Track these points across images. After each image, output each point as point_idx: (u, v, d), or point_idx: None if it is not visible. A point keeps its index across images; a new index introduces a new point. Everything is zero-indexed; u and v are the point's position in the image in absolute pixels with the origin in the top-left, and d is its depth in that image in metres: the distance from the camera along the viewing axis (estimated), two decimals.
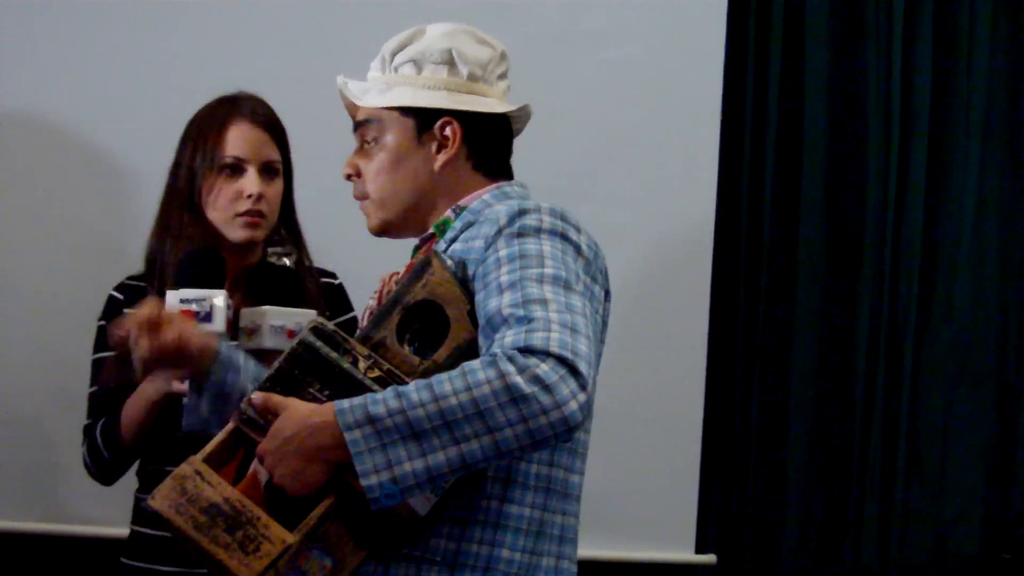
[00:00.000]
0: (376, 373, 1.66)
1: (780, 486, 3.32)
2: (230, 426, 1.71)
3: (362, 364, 1.67)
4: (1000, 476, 3.35)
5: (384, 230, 1.89)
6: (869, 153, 3.33)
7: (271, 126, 2.32)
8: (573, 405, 1.53)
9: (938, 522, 3.33)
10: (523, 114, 1.94)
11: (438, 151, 1.84)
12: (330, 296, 2.36)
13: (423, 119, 1.84)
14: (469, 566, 1.68)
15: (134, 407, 2.19)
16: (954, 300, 3.35)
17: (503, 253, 1.67)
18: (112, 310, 2.33)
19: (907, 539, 3.32)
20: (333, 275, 2.42)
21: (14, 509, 3.08)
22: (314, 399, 1.66)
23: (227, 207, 2.27)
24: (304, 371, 1.68)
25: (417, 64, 1.86)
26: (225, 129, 2.28)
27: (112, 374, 2.26)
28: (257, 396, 1.68)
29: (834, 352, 3.34)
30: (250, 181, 2.26)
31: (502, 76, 1.91)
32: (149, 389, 2.15)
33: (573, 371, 1.54)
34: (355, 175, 1.90)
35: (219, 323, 2.06)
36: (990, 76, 3.36)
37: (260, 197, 2.26)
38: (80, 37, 3.06)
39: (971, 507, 3.33)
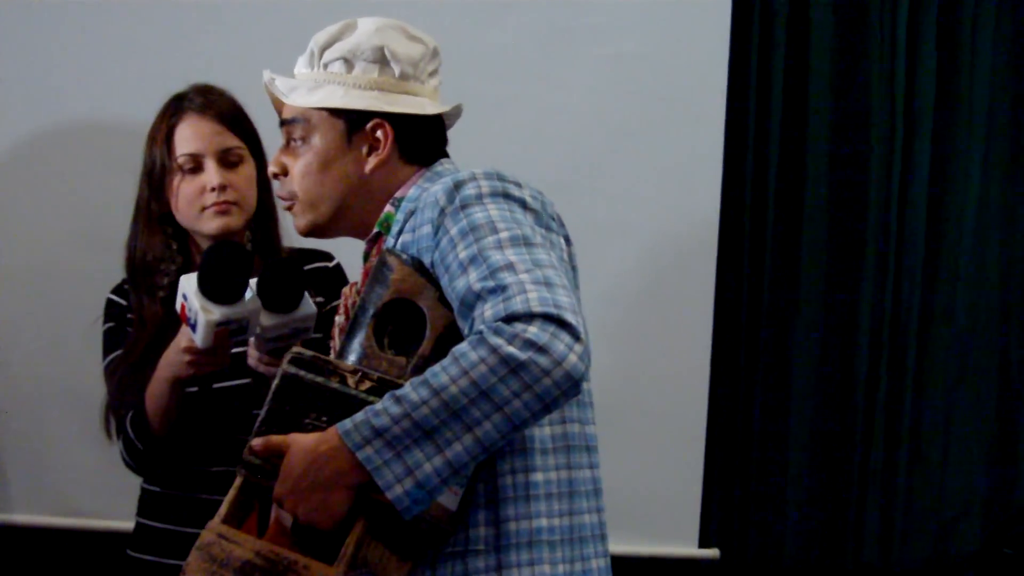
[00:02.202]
0: (368, 384, 1.62)
1: (783, 481, 3.32)
2: (238, 481, 1.67)
3: (351, 380, 1.63)
4: (1001, 473, 3.36)
5: (313, 232, 1.87)
6: (872, 152, 3.33)
7: (224, 115, 2.28)
8: (572, 358, 1.52)
9: (939, 518, 3.33)
10: (455, 112, 1.91)
11: (369, 153, 1.81)
12: (324, 281, 2.34)
13: (354, 120, 1.81)
14: (513, 545, 1.65)
15: (155, 391, 2.18)
16: (956, 300, 3.35)
17: (453, 231, 1.64)
18: (114, 313, 2.34)
19: (909, 535, 3.33)
20: (329, 257, 2.40)
21: (21, 503, 3.09)
22: (315, 428, 1.61)
23: (192, 203, 2.25)
24: (295, 404, 1.63)
25: (348, 62, 1.82)
26: (175, 128, 2.27)
27: (125, 371, 2.27)
28: (257, 442, 1.64)
29: (837, 350, 3.34)
30: (210, 174, 2.24)
31: (433, 73, 1.88)
32: (162, 371, 2.15)
33: (562, 324, 1.52)
34: (281, 174, 1.86)
35: (252, 332, 2.03)
36: (993, 76, 3.35)
37: (224, 188, 2.24)
38: (82, 34, 3.06)
39: (972, 504, 3.34)
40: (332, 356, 1.72)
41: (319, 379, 1.63)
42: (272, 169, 1.88)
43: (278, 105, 1.89)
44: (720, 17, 3.18)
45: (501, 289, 1.55)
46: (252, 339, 2.03)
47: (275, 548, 1.60)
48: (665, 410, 3.16)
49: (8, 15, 3.06)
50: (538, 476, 1.67)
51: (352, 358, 1.67)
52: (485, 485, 1.66)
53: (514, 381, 1.51)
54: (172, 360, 2.11)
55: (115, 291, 2.37)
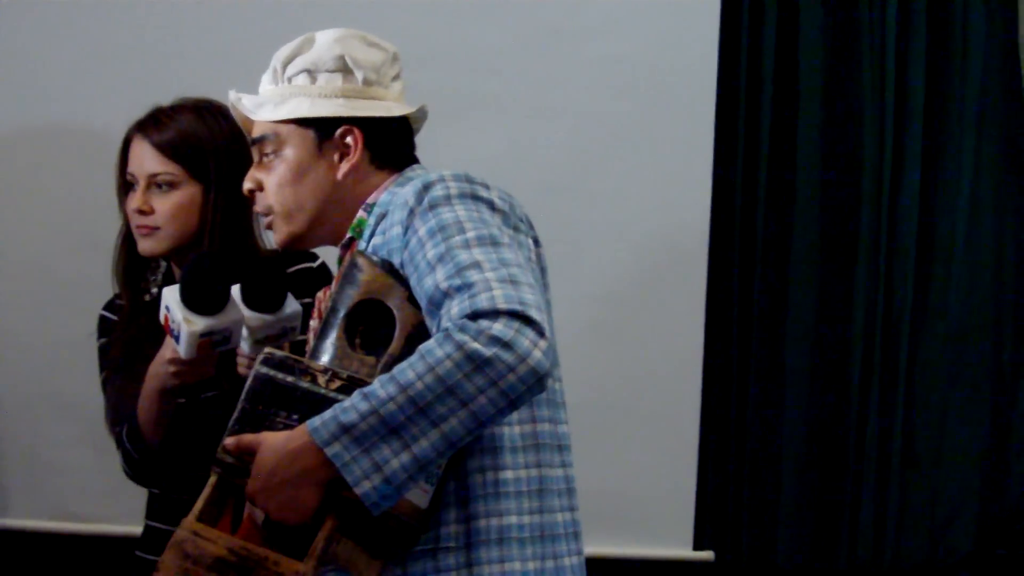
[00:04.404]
0: (338, 383, 1.64)
1: (777, 483, 3.32)
2: (213, 479, 1.70)
3: (321, 379, 1.65)
4: (995, 472, 3.35)
5: (292, 243, 1.88)
6: (864, 149, 3.33)
7: (161, 140, 2.29)
8: (537, 354, 1.54)
9: (933, 519, 3.33)
10: (421, 114, 1.93)
11: (340, 160, 1.83)
12: (309, 281, 2.32)
13: (323, 129, 1.83)
14: (483, 542, 1.67)
15: (145, 403, 2.20)
16: (949, 297, 3.35)
17: (422, 231, 1.66)
18: (107, 329, 2.37)
19: (903, 535, 3.33)
20: (313, 257, 2.38)
21: (18, 507, 3.10)
22: (285, 427, 1.64)
23: (131, 222, 2.30)
24: (267, 404, 1.66)
25: (311, 73, 1.85)
26: (127, 148, 2.31)
27: (116, 381, 2.29)
28: (230, 441, 1.67)
29: (830, 348, 3.34)
30: (136, 197, 2.27)
31: (396, 77, 1.90)
32: (150, 383, 2.17)
33: (527, 321, 1.54)
34: (257, 189, 1.88)
35: (236, 341, 2.05)
36: (984, 72, 3.35)
37: (143, 212, 2.26)
38: (81, 36, 3.07)
39: (966, 503, 3.33)
40: (306, 357, 1.74)
41: (290, 379, 1.66)
42: (247, 186, 1.89)
43: (247, 125, 1.92)
44: (709, 18, 3.19)
45: (467, 287, 1.57)
46: (242, 345, 2.04)
47: (247, 545, 1.63)
48: (658, 412, 3.16)
49: (9, 18, 3.07)
50: (508, 474, 1.69)
51: (324, 358, 1.69)
52: (455, 483, 1.67)
53: (479, 377, 1.53)
54: (158, 371, 2.14)
55: (107, 307, 2.40)
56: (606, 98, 3.16)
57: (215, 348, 2.01)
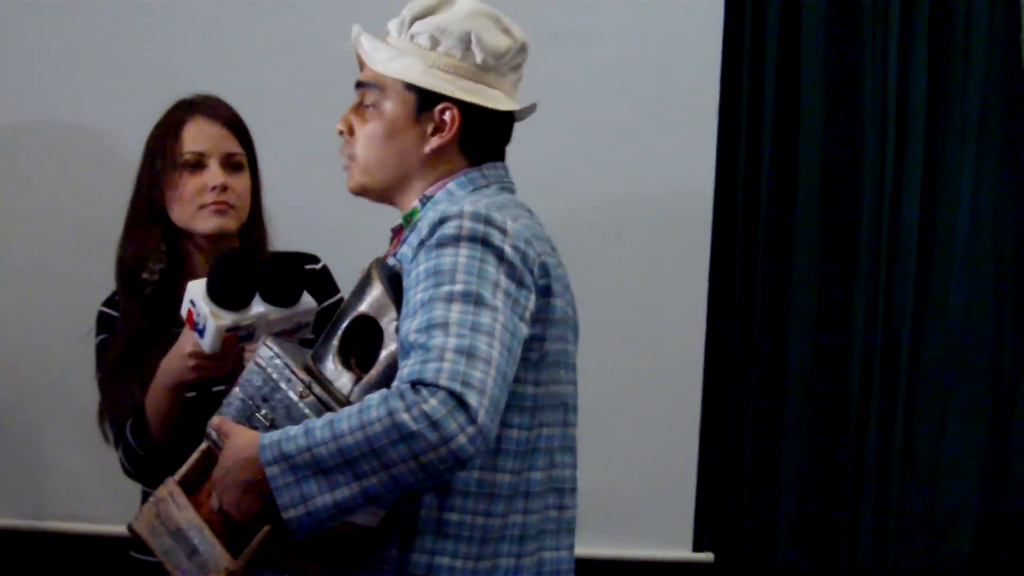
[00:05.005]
0: (310, 398, 1.71)
1: (777, 484, 3.32)
2: (203, 446, 1.80)
3: (299, 387, 1.72)
4: (995, 474, 3.35)
5: (362, 193, 1.89)
6: (865, 151, 3.33)
7: (230, 122, 2.32)
8: (461, 439, 1.55)
9: (934, 521, 3.33)
10: (529, 109, 1.92)
11: (433, 133, 1.82)
12: (312, 282, 2.32)
13: (426, 98, 1.82)
14: (410, 575, 1.71)
15: (156, 397, 2.19)
16: (949, 299, 3.35)
17: (421, 268, 1.67)
18: (106, 326, 2.36)
19: (903, 538, 3.33)
20: (315, 259, 2.41)
21: (10, 506, 3.10)
22: (260, 423, 1.73)
23: (192, 200, 2.26)
24: (254, 394, 1.76)
25: (434, 39, 1.82)
26: (182, 127, 2.29)
27: (114, 374, 2.28)
28: (216, 420, 1.76)
29: (830, 351, 3.34)
30: (212, 174, 2.26)
31: (515, 68, 1.89)
32: (164, 378, 2.17)
33: (462, 404, 1.56)
34: (347, 132, 1.88)
35: (259, 336, 2.05)
36: (986, 74, 3.35)
37: (224, 188, 2.26)
38: (82, 37, 3.07)
39: (966, 506, 3.33)
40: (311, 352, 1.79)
41: (275, 376, 1.74)
42: (339, 127, 1.89)
43: (361, 63, 1.90)
44: (712, 19, 3.18)
45: (425, 349, 1.59)
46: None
47: (202, 524, 1.75)
48: (658, 413, 3.16)
49: (9, 18, 3.06)
50: (453, 516, 1.72)
51: (323, 363, 1.75)
52: (408, 508, 1.71)
53: (403, 447, 1.57)
54: (175, 366, 2.14)
55: (107, 303, 2.39)
56: (608, 101, 3.15)
57: (239, 343, 2.05)
